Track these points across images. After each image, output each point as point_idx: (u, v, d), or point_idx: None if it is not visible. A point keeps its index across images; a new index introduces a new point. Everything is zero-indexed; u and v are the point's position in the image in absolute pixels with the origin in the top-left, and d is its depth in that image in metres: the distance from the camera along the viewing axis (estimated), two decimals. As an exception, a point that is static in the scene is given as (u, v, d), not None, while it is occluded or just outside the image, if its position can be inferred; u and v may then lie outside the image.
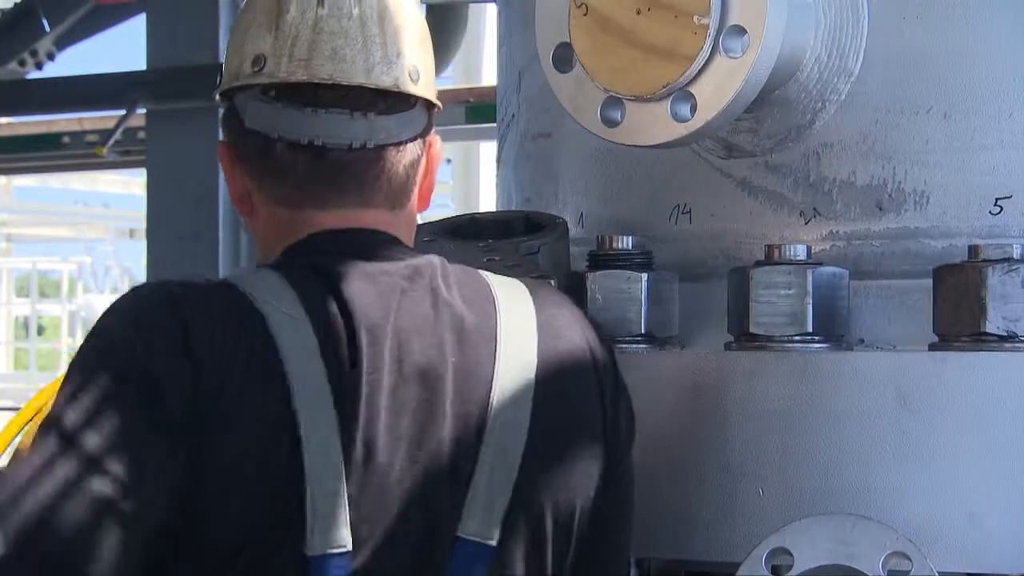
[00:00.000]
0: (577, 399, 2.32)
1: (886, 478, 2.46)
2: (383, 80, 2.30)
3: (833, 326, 2.55)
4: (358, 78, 2.29)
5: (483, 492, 2.22)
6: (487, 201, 12.75)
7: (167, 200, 9.22)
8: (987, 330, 2.44)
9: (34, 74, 10.68)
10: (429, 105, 2.37)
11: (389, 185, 2.34)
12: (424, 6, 2.37)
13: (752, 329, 2.54)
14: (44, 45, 10.47)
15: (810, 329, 2.52)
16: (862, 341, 2.60)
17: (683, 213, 2.77)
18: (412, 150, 2.35)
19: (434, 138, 2.41)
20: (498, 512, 2.21)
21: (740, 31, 2.45)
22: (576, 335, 2.34)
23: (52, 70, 10.79)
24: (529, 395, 2.25)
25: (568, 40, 2.56)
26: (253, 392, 2.15)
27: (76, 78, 10.70)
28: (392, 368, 2.20)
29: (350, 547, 2.15)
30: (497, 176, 3.20)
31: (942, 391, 2.44)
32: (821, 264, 2.56)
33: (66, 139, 12.37)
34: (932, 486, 2.44)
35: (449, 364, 2.23)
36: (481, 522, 2.21)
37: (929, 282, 2.51)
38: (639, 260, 2.68)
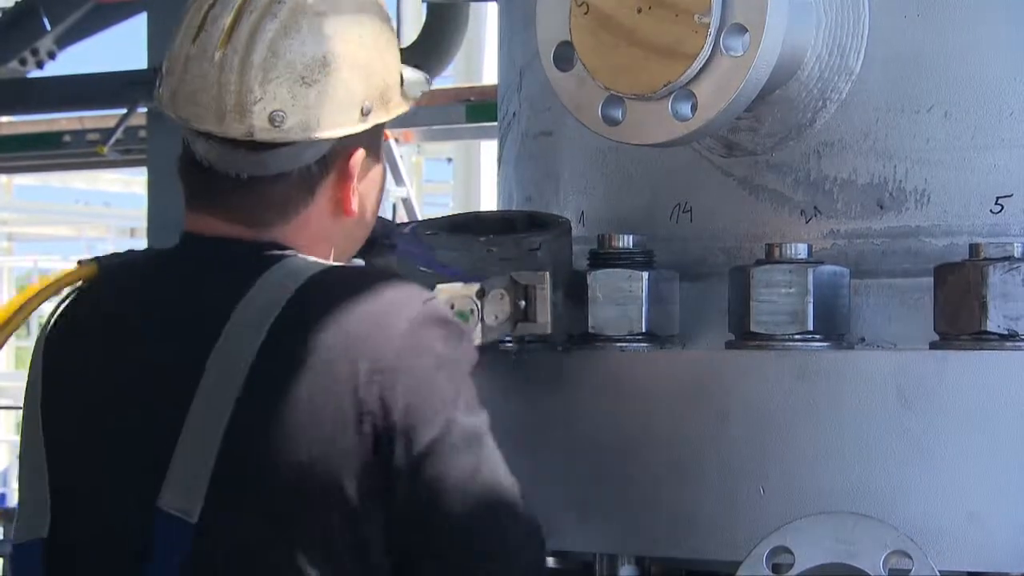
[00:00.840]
0: (307, 391, 2.25)
1: (887, 477, 2.46)
2: (234, 129, 2.34)
3: (834, 325, 2.55)
4: (209, 125, 2.35)
5: (182, 466, 2.24)
6: (488, 200, 12.73)
7: (168, 199, 9.19)
8: (988, 329, 2.44)
9: (35, 73, 10.67)
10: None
11: (255, 210, 2.39)
12: (330, 32, 2.37)
13: (753, 328, 2.54)
14: (45, 44, 10.46)
15: (811, 328, 2.52)
16: (863, 340, 2.60)
17: (684, 212, 2.77)
18: (295, 179, 2.37)
19: (352, 154, 2.40)
20: (199, 486, 2.23)
21: (741, 29, 2.45)
22: (331, 325, 2.28)
23: (53, 69, 10.78)
24: (243, 371, 2.24)
25: (569, 39, 2.55)
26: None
27: (77, 77, 10.69)
28: (114, 360, 2.37)
29: (44, 535, 2.33)
30: (498, 175, 3.19)
31: (943, 390, 2.44)
32: (822, 263, 2.55)
33: (67, 138, 12.35)
34: (933, 485, 2.43)
35: (177, 352, 2.31)
36: (181, 495, 2.23)
37: (930, 281, 2.51)
38: (640, 259, 2.68)
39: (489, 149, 12.49)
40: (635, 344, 2.64)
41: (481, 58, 12.34)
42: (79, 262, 2.60)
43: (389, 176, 10.49)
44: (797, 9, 2.53)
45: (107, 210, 28.06)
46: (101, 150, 10.66)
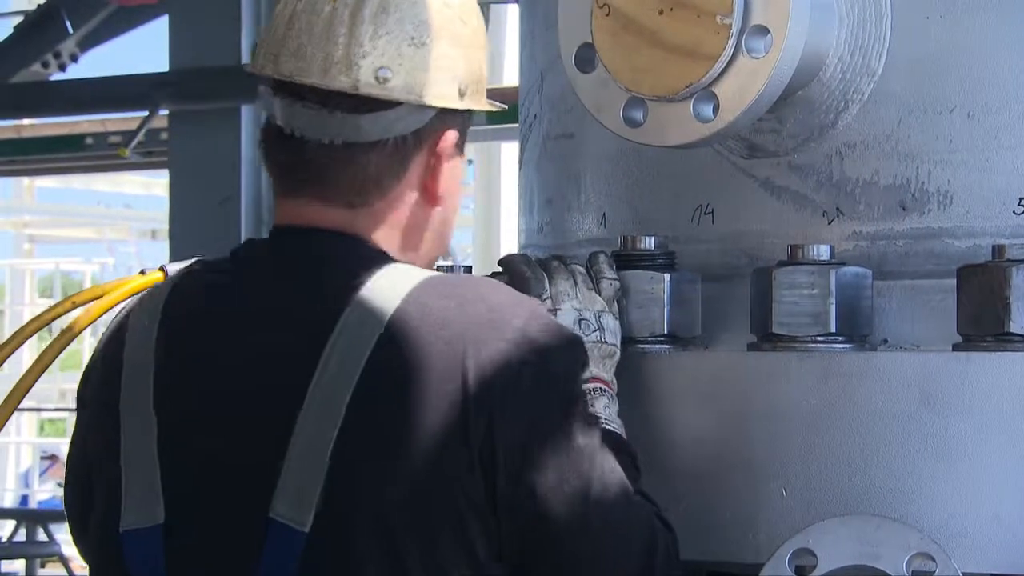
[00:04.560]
0: (417, 398, 2.19)
1: (909, 478, 2.45)
2: (339, 82, 2.28)
3: (856, 326, 2.54)
4: (314, 78, 2.28)
5: (294, 475, 2.17)
6: (509, 202, 12.73)
7: (189, 201, 9.23)
8: (1011, 330, 2.43)
9: (57, 75, 10.69)
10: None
11: (352, 183, 2.32)
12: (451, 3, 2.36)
13: (775, 329, 2.53)
14: (67, 47, 10.49)
15: (833, 329, 2.51)
16: (885, 341, 2.59)
17: (705, 213, 2.76)
18: (390, 149, 2.32)
19: (444, 134, 2.35)
20: (310, 497, 2.17)
21: (763, 31, 2.45)
22: (440, 332, 2.20)
23: (75, 71, 10.82)
24: (350, 384, 2.18)
25: (591, 40, 2.55)
26: (99, 388, 2.39)
27: (99, 80, 10.72)
28: (219, 357, 2.29)
29: (161, 521, 2.24)
30: (519, 176, 3.19)
31: (966, 391, 2.44)
32: (844, 264, 2.55)
33: (89, 140, 12.40)
34: (956, 486, 2.43)
35: (283, 353, 2.24)
36: (292, 506, 2.17)
37: (953, 282, 2.50)
38: (662, 260, 2.67)
39: (510, 151, 12.49)
40: (657, 345, 2.64)
41: (502, 60, 12.34)
42: (141, 271, 2.61)
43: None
44: (819, 10, 2.52)
45: (128, 212, 28.15)
46: (123, 152, 10.69)
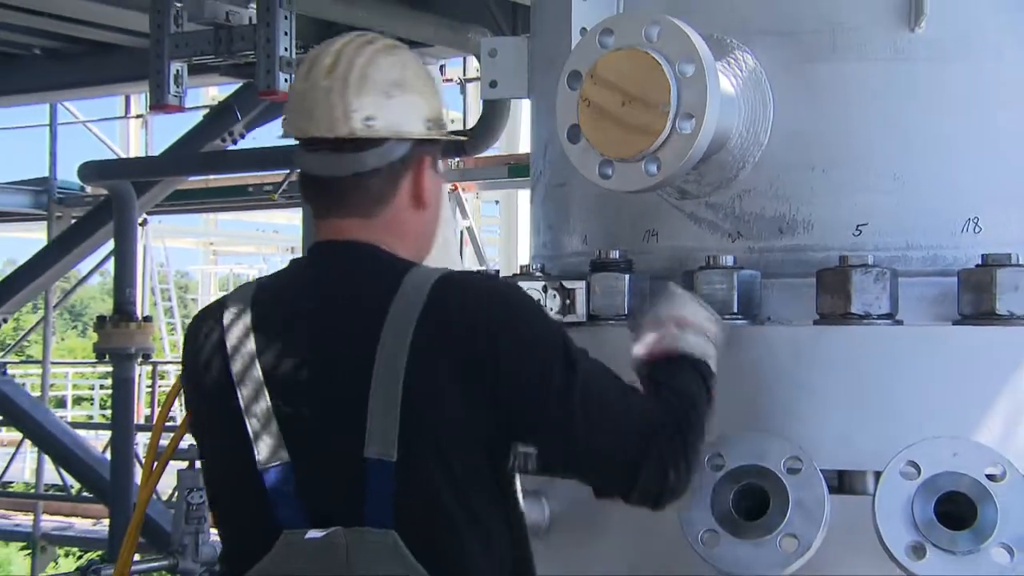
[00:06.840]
0: (451, 347, 2.04)
1: (786, 408, 2.44)
2: (340, 130, 2.15)
3: (750, 309, 2.53)
4: (322, 131, 2.16)
5: (378, 419, 2.02)
6: (523, 228, 12.71)
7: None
8: (852, 311, 2.42)
9: (231, 147, 10.70)
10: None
11: (363, 201, 2.18)
12: (406, 59, 2.24)
13: (697, 311, 2.52)
14: (237, 128, 10.47)
15: (735, 311, 2.50)
16: (769, 319, 2.58)
17: (652, 235, 2.75)
18: (387, 172, 2.18)
19: (422, 157, 2.21)
20: (391, 434, 2.01)
21: (690, 116, 2.44)
22: (460, 310, 2.07)
23: (243, 144, 10.80)
24: (406, 346, 2.03)
25: (577, 122, 2.54)
26: (204, 363, 2.19)
27: (258, 149, 10.70)
28: (302, 337, 2.12)
29: (287, 460, 2.08)
30: (530, 211, 3.18)
31: (822, 351, 2.43)
32: (742, 268, 2.54)
33: (251, 188, 12.39)
34: (815, 413, 2.42)
35: (349, 334, 2.08)
36: (381, 444, 2.02)
37: (813, 280, 2.49)
38: (623, 266, 2.66)
39: (524, 195, 12.48)
40: (620, 322, 2.62)
41: (518, 134, 12.34)
42: None
43: (457, 210, 10.52)
44: (726, 103, 2.51)
45: (276, 236, 28.16)
46: (273, 197, 10.68)
